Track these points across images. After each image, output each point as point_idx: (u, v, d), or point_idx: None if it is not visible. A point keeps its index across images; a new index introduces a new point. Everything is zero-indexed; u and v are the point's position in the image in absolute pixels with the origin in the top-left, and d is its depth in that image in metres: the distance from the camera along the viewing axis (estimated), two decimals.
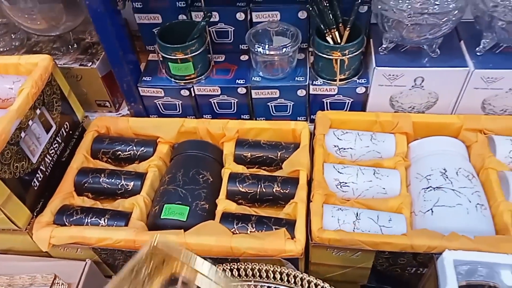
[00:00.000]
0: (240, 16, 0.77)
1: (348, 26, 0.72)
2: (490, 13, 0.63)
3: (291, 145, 0.73)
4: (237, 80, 0.78)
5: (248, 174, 0.70)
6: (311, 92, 0.76)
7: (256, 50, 0.73)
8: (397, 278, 0.65)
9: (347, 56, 0.71)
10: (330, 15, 0.71)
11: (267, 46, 0.74)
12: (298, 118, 0.81)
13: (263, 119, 0.82)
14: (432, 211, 0.62)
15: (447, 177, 0.65)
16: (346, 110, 0.78)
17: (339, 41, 0.73)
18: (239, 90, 0.77)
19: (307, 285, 0.58)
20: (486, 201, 0.64)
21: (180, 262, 0.45)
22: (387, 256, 0.60)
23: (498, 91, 0.70)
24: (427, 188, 0.65)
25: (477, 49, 0.69)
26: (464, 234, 0.57)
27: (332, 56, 0.71)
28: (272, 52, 0.73)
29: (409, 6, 0.63)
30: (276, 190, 0.68)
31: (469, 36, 0.72)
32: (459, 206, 0.61)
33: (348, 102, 0.77)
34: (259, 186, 0.68)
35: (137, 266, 0.44)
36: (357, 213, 0.62)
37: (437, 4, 0.62)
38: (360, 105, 0.77)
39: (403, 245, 0.57)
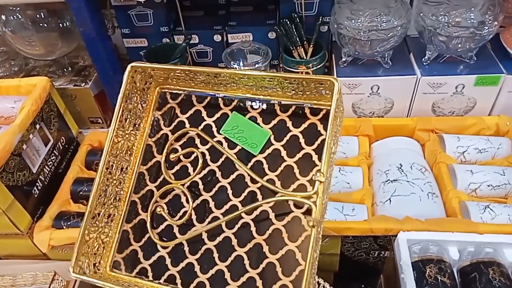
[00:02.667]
0: (217, 38, 0.87)
1: (312, 43, 0.82)
2: (430, 29, 0.74)
3: None
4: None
5: None
6: None
7: (232, 67, 0.83)
8: (363, 263, 0.73)
9: (311, 69, 0.80)
10: (296, 34, 0.81)
11: (241, 63, 0.83)
12: None
13: None
14: (390, 201, 0.70)
15: (402, 171, 0.73)
16: None
17: (304, 56, 0.83)
18: None
19: None
20: (437, 190, 0.72)
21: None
22: (352, 240, 0.68)
23: (444, 95, 0.80)
24: (386, 181, 0.73)
25: (423, 59, 0.80)
26: (417, 218, 0.66)
27: (298, 69, 0.81)
28: (246, 68, 0.83)
29: (360, 25, 0.73)
30: None
31: (417, 49, 0.83)
32: (412, 195, 0.70)
33: None
34: None
35: (126, 92, 0.47)
36: None
37: (384, 22, 0.73)
38: None
39: (364, 229, 0.65)
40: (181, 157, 0.49)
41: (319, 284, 0.62)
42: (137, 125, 0.49)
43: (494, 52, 0.81)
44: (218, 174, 0.47)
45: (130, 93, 0.48)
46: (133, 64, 0.48)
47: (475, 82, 0.77)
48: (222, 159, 0.47)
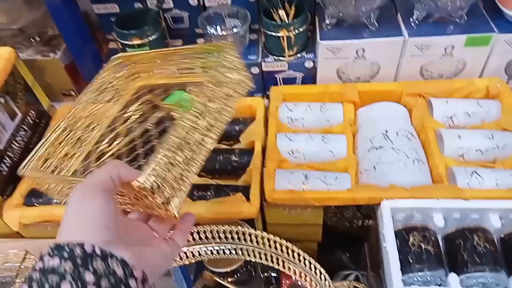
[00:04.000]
0: (193, 1, 0.81)
1: (293, 5, 0.77)
2: None
3: (248, 119, 0.78)
4: None
5: None
6: (263, 69, 0.81)
7: (209, 32, 0.78)
8: (347, 232, 0.71)
9: (293, 33, 0.76)
10: None
11: (219, 28, 0.78)
12: (254, 94, 0.86)
13: None
14: (375, 168, 0.68)
15: (388, 138, 0.70)
16: (298, 84, 0.84)
17: (286, 20, 0.78)
18: None
19: (261, 241, 0.63)
20: (424, 156, 0.70)
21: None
22: (334, 210, 0.65)
23: (432, 57, 0.76)
24: (371, 148, 0.70)
25: (411, 20, 0.75)
26: (402, 186, 0.63)
27: (279, 33, 0.76)
28: (224, 33, 0.78)
29: None
30: (234, 160, 0.73)
31: (404, 9, 0.78)
32: (398, 162, 0.67)
33: (299, 77, 0.82)
34: (218, 158, 0.73)
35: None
36: (306, 175, 0.67)
37: None
38: (310, 78, 0.82)
39: (347, 199, 0.63)
40: None
41: (299, 255, 0.60)
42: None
43: (486, 10, 0.76)
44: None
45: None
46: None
47: (465, 43, 0.73)
48: None
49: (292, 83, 0.83)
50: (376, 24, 0.76)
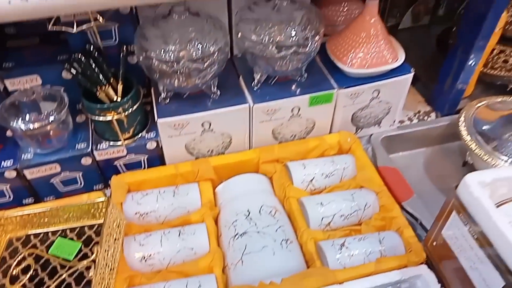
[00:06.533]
0: None
1: (120, 80, 0.66)
2: (250, 51, 0.64)
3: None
4: (2, 163, 0.64)
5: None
6: (98, 158, 0.67)
7: (13, 126, 0.61)
8: None
9: (124, 114, 0.64)
10: (96, 72, 0.63)
11: (27, 118, 0.62)
12: (94, 187, 0.71)
13: (53, 198, 0.70)
14: (242, 261, 0.59)
15: (251, 219, 0.63)
16: (144, 168, 0.72)
17: (115, 98, 0.66)
18: (6, 174, 0.64)
19: None
20: (292, 233, 0.64)
21: None
22: None
23: (281, 120, 0.71)
24: (235, 236, 0.62)
25: (253, 84, 0.70)
26: (274, 278, 0.55)
27: (107, 117, 0.63)
28: (36, 125, 0.62)
29: (171, 55, 0.59)
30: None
31: (246, 71, 0.73)
32: (265, 249, 0.59)
33: (144, 159, 0.70)
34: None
35: None
36: None
37: (197, 50, 0.60)
38: (157, 159, 0.71)
39: None
40: None
41: None
42: None
43: (324, 64, 0.76)
44: None
45: None
46: None
47: (309, 103, 0.70)
48: None
49: (137, 167, 0.71)
50: (218, 92, 0.69)
